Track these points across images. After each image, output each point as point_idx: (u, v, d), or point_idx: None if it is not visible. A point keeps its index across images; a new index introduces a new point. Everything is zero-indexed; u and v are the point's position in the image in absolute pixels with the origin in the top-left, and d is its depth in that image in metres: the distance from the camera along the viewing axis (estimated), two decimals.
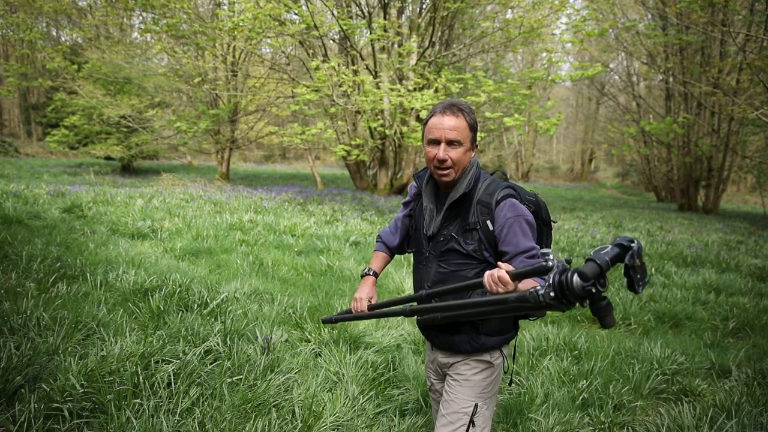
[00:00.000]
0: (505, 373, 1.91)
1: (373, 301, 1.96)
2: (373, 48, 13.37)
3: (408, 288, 5.02)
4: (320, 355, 3.43)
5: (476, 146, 1.79)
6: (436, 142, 1.70)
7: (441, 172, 1.73)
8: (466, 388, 1.78)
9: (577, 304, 1.12)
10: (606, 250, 1.09)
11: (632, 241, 1.08)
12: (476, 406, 1.76)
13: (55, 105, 20.16)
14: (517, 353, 2.90)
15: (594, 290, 1.06)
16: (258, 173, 27.33)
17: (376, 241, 2.13)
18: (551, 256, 1.77)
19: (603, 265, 1.07)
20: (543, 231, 1.84)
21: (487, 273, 1.44)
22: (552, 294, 1.12)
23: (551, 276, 1.14)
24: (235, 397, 2.65)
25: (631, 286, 1.08)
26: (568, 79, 12.67)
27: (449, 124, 1.67)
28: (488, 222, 1.70)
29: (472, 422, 1.74)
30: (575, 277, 1.08)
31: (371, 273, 2.02)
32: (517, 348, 2.02)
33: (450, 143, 1.69)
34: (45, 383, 2.55)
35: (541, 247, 1.80)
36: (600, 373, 3.37)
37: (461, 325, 1.78)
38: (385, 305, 1.89)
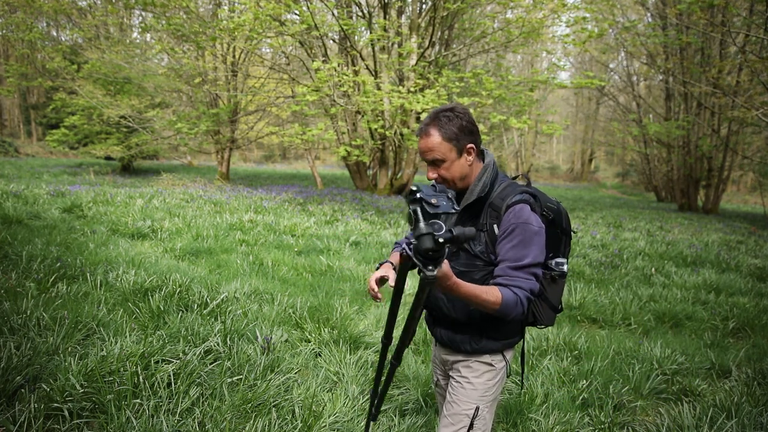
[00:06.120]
0: (508, 376, 1.90)
1: (390, 281, 1.82)
2: (373, 48, 13.37)
3: (409, 288, 5.02)
4: (320, 355, 3.43)
5: (471, 149, 1.70)
6: (426, 162, 1.75)
7: (445, 186, 1.73)
8: (468, 391, 1.79)
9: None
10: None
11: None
12: (477, 408, 1.76)
13: (55, 105, 20.17)
14: (518, 355, 2.90)
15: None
16: (258, 173, 27.33)
17: (394, 246, 2.12)
18: (564, 267, 1.76)
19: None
20: (561, 240, 1.80)
21: None
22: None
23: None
24: (235, 397, 2.65)
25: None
26: (571, 86, 12.69)
27: (423, 148, 1.69)
28: (495, 226, 1.68)
29: (471, 425, 1.75)
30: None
31: (387, 262, 1.99)
32: (525, 353, 2.00)
33: (432, 164, 1.70)
34: (45, 383, 2.55)
35: (557, 256, 1.78)
36: (600, 373, 3.37)
37: (464, 324, 1.78)
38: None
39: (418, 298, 1.31)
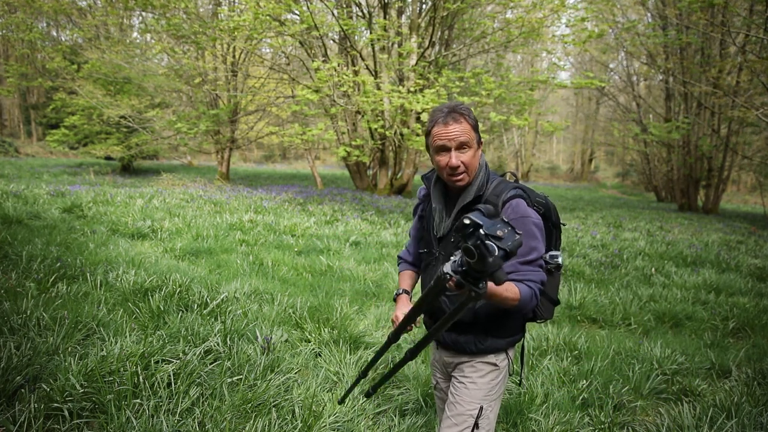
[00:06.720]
0: (510, 375, 1.91)
1: (400, 310, 1.89)
2: (373, 48, 13.37)
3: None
4: (320, 355, 3.43)
5: (481, 143, 1.78)
6: (445, 150, 1.70)
7: (455, 178, 1.72)
8: (472, 391, 1.78)
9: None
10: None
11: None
12: (481, 408, 1.76)
13: (55, 105, 20.18)
14: (517, 354, 2.90)
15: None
16: (258, 173, 27.33)
17: (398, 264, 2.11)
18: (559, 259, 1.76)
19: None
20: (552, 233, 1.83)
21: None
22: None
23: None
24: (235, 397, 2.65)
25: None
26: (571, 86, 12.70)
27: (455, 131, 1.67)
28: None
29: (476, 424, 1.75)
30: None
31: (402, 292, 1.97)
32: (525, 351, 1.99)
33: (459, 148, 1.68)
34: (45, 383, 2.55)
35: (550, 249, 1.80)
36: (600, 373, 3.37)
37: (469, 325, 1.78)
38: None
39: (455, 312, 1.31)
